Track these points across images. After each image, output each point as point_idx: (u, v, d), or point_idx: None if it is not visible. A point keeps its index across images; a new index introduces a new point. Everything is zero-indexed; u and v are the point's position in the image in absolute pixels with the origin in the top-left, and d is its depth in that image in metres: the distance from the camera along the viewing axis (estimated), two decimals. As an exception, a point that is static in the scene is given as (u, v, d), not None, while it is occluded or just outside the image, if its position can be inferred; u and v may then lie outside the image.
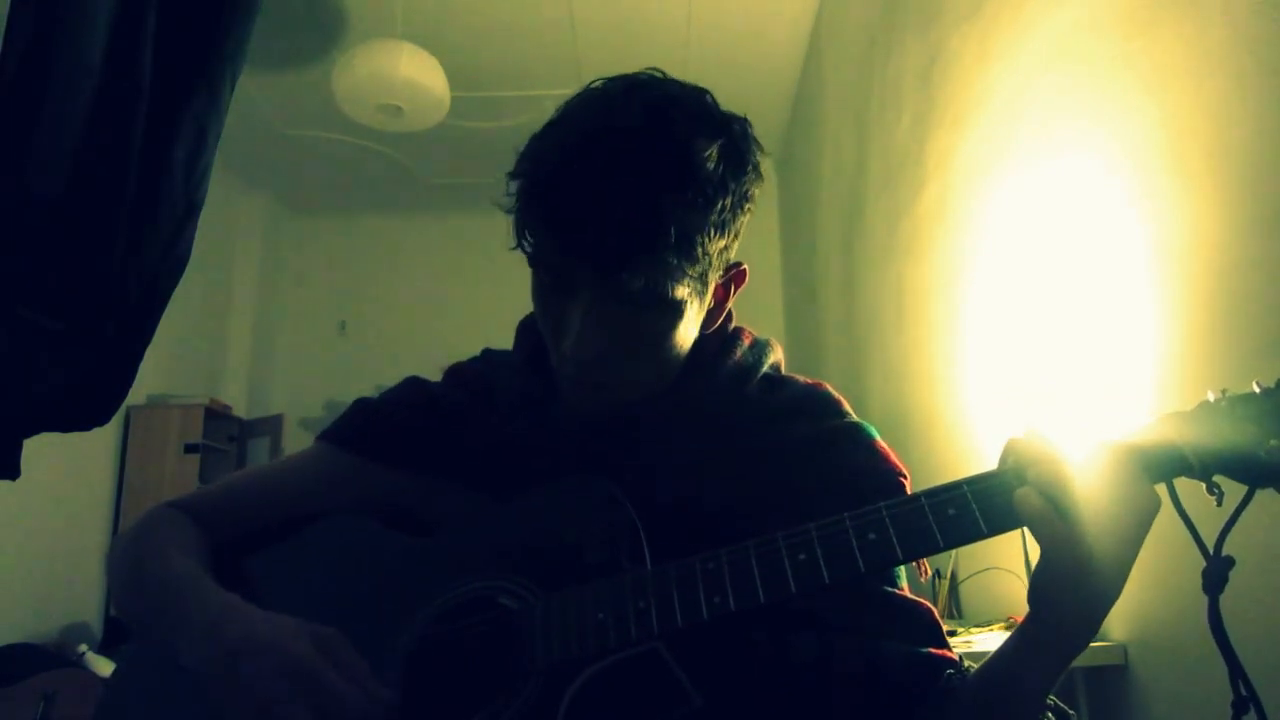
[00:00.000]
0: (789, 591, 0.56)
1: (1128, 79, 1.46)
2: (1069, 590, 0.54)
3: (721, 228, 0.66)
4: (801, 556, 0.56)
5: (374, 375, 4.87)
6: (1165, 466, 0.54)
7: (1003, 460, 0.58)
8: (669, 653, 0.58)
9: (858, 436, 0.76)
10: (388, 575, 0.72)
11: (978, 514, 0.55)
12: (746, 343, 0.81)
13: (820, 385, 0.81)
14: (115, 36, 1.09)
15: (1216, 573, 0.54)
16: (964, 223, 2.24)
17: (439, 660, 0.65)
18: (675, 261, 0.64)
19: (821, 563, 0.56)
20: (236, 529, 0.80)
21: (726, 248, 0.69)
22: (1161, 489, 0.55)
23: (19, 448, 1.12)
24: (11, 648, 3.07)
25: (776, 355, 0.83)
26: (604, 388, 0.71)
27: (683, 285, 0.66)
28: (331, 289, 5.43)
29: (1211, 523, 0.54)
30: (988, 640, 1.66)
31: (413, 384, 0.86)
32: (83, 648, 3.31)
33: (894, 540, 0.55)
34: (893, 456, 0.75)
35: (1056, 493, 0.53)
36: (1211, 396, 0.54)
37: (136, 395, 4.02)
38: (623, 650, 0.58)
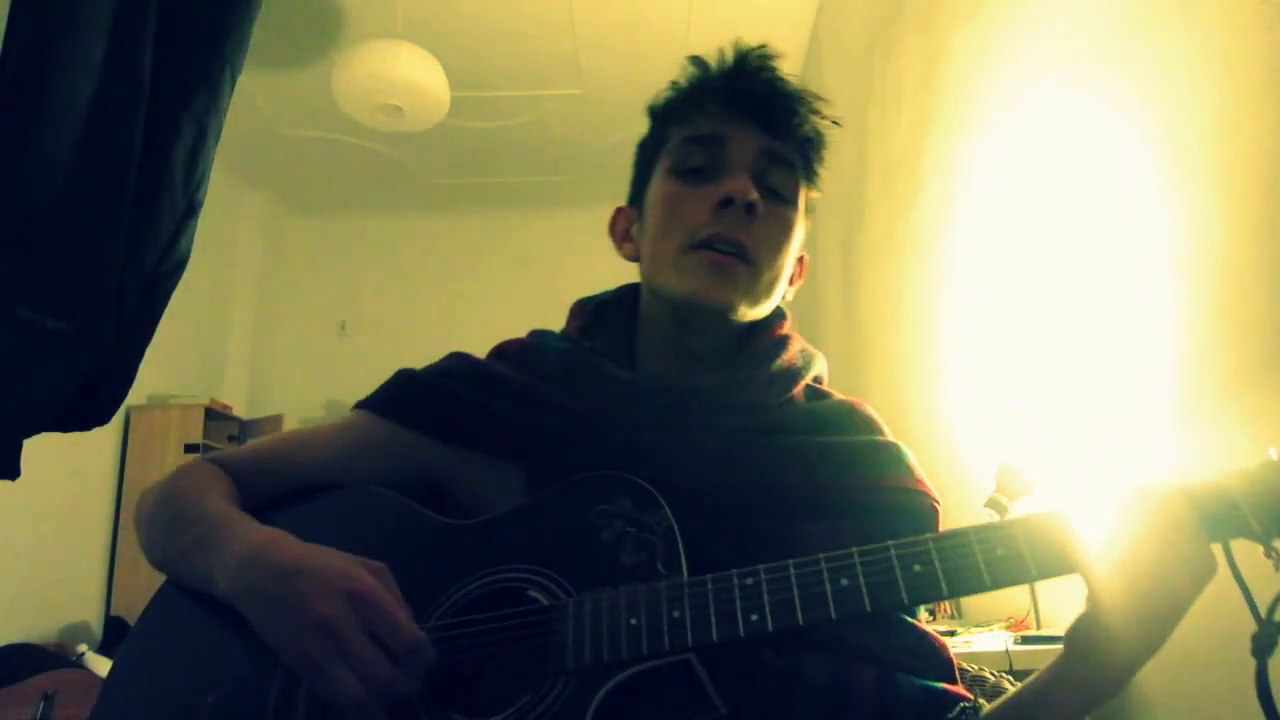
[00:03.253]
0: (829, 616, 0.55)
1: (1127, 79, 1.46)
2: (1112, 642, 0.54)
3: (820, 153, 0.83)
4: (844, 581, 0.56)
5: (374, 375, 4.80)
6: (1225, 526, 0.53)
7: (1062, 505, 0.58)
8: (701, 665, 0.58)
9: (896, 454, 0.77)
10: (415, 554, 0.71)
11: (1028, 557, 0.54)
12: (797, 346, 0.83)
13: (862, 404, 0.83)
14: (115, 36, 1.09)
15: (1266, 638, 0.53)
16: (964, 223, 2.24)
17: (467, 649, 0.64)
18: (815, 138, 0.81)
19: (864, 590, 0.55)
20: (269, 488, 0.80)
21: (816, 191, 0.84)
22: (1216, 547, 0.54)
23: (19, 448, 1.12)
24: (11, 648, 3.07)
25: (822, 367, 0.85)
26: (739, 260, 0.75)
27: (803, 192, 0.81)
28: (331, 289, 5.43)
29: (1263, 584, 0.53)
30: (987, 640, 1.65)
31: (456, 357, 0.86)
32: (82, 648, 3.31)
33: (939, 574, 0.55)
34: (927, 482, 0.75)
35: (1115, 545, 0.52)
36: (1274, 454, 0.53)
37: (136, 395, 4.01)
38: (655, 658, 0.58)
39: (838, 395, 0.84)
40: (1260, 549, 0.52)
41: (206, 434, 4.28)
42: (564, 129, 4.56)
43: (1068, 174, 1.68)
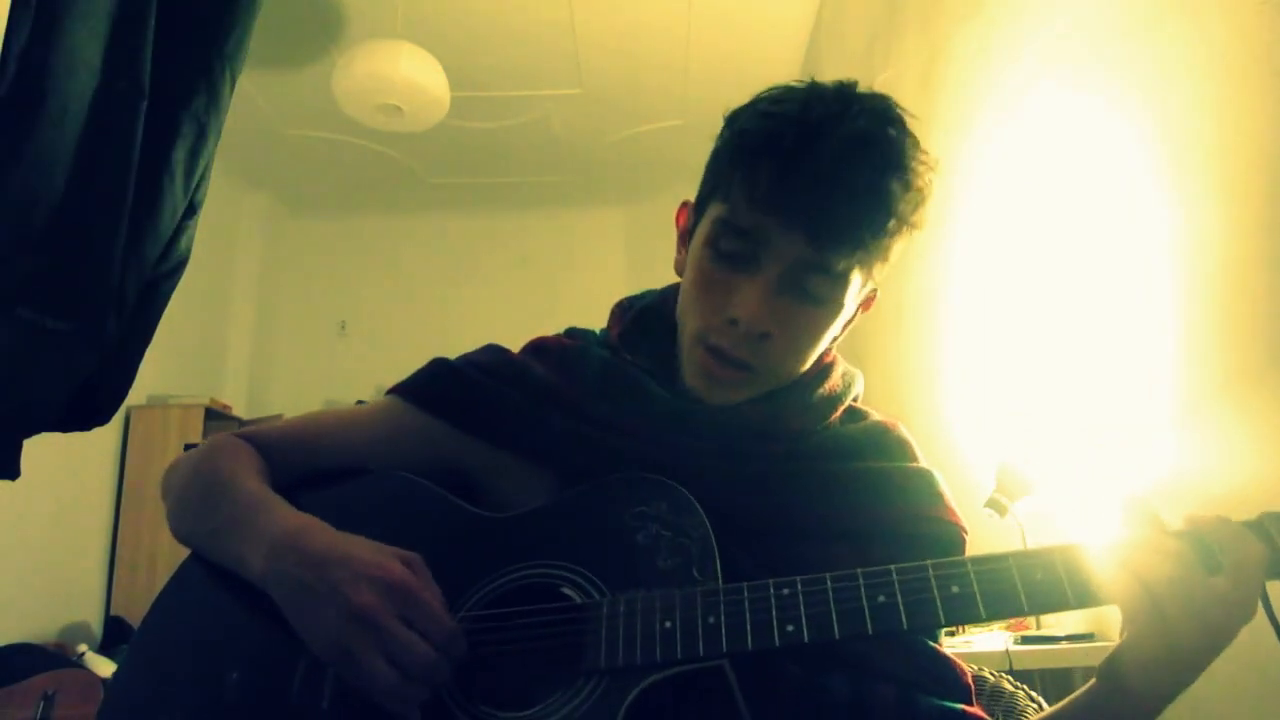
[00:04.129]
0: (865, 632, 0.55)
1: (1128, 79, 1.46)
2: (1147, 676, 0.54)
3: (884, 255, 0.72)
4: (881, 598, 0.56)
5: (374, 375, 4.88)
6: (1265, 568, 0.53)
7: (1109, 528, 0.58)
8: (733, 673, 0.58)
9: (926, 482, 0.76)
10: (446, 544, 0.70)
11: (1067, 585, 0.54)
12: (839, 372, 0.82)
13: (896, 426, 0.82)
14: (115, 36, 1.09)
15: None
16: (964, 222, 2.24)
17: (499, 643, 0.64)
18: (872, 257, 0.70)
19: (901, 608, 0.55)
20: (300, 469, 0.79)
21: (877, 269, 0.74)
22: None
23: (19, 448, 1.12)
24: (11, 648, 3.07)
25: (860, 386, 0.84)
26: (742, 372, 0.72)
27: (856, 279, 0.71)
28: (331, 289, 5.43)
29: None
30: (987, 640, 1.65)
31: (494, 352, 0.84)
32: (83, 648, 3.32)
33: (977, 596, 0.55)
34: (955, 509, 0.75)
35: (1160, 587, 0.52)
36: None
37: (136, 395, 4.01)
38: (689, 663, 0.58)
39: (873, 416, 0.83)
40: None
41: (206, 434, 4.28)
42: (564, 129, 4.56)
43: (1068, 174, 1.68)
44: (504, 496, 0.76)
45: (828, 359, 0.81)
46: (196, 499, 0.76)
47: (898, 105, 0.71)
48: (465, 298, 5.24)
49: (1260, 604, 0.54)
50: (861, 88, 0.71)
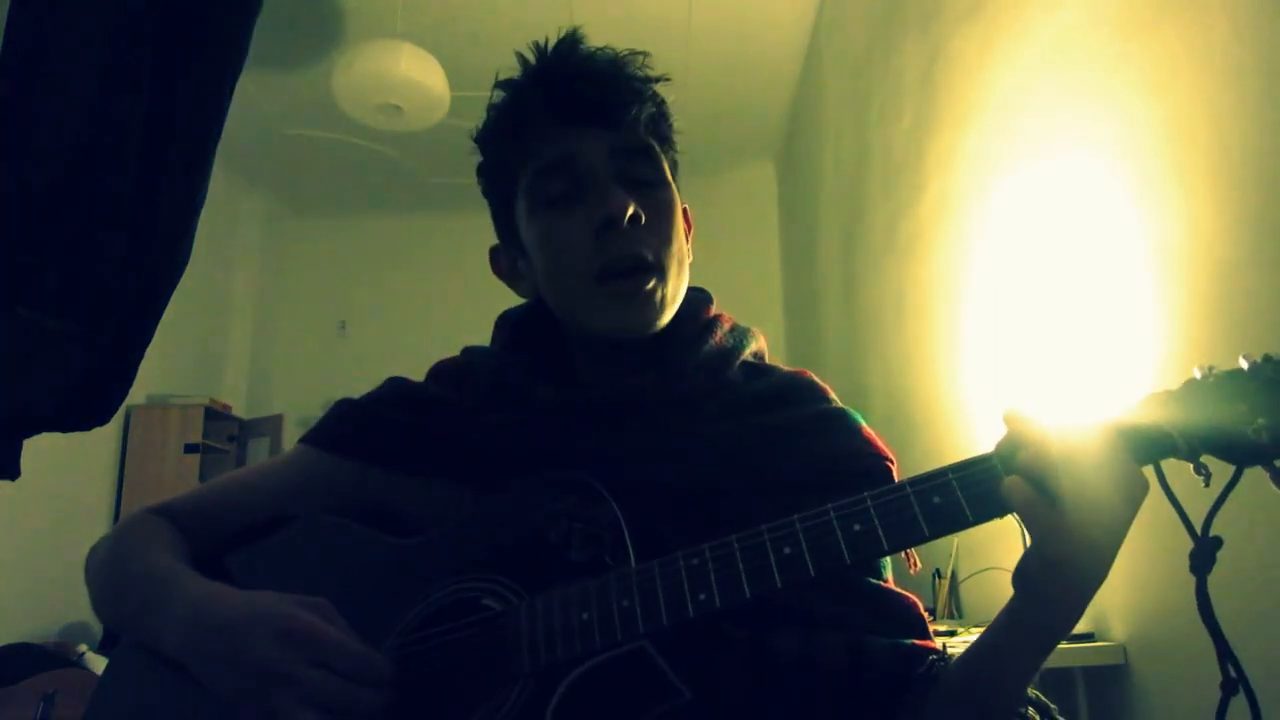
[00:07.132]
0: (775, 586, 0.55)
1: (1128, 79, 1.46)
2: (1057, 575, 0.53)
3: (667, 118, 0.81)
4: (786, 550, 0.56)
5: (374, 375, 4.80)
6: (1152, 448, 0.53)
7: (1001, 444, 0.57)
8: (655, 649, 0.58)
9: (844, 421, 0.75)
10: (371, 577, 0.72)
11: (963, 502, 0.54)
12: (726, 326, 0.81)
13: (803, 373, 0.81)
14: (115, 36, 1.09)
15: (1204, 553, 0.53)
16: (964, 222, 2.24)
17: (426, 665, 0.65)
18: (657, 110, 0.79)
19: (807, 556, 0.55)
20: (216, 532, 0.80)
21: (675, 154, 0.82)
22: (1149, 470, 0.53)
23: (19, 448, 1.12)
24: (11, 648, 3.07)
25: (759, 343, 0.83)
26: (648, 274, 0.73)
27: (666, 157, 0.79)
28: (331, 289, 5.43)
29: (1199, 503, 0.53)
30: (988, 640, 1.65)
31: (393, 383, 0.86)
32: (83, 648, 3.32)
33: (879, 531, 0.55)
34: (879, 441, 0.74)
35: (1046, 479, 0.52)
36: (1198, 373, 0.52)
37: (136, 395, 4.01)
38: (609, 650, 0.58)
39: (782, 368, 0.82)
40: (1190, 467, 0.52)
41: (206, 434, 4.28)
42: (564, 129, 4.56)
43: (1068, 172, 1.68)
44: (429, 521, 0.76)
45: (708, 313, 0.81)
46: (110, 584, 0.77)
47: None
48: (465, 298, 5.23)
49: (1155, 480, 0.53)
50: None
